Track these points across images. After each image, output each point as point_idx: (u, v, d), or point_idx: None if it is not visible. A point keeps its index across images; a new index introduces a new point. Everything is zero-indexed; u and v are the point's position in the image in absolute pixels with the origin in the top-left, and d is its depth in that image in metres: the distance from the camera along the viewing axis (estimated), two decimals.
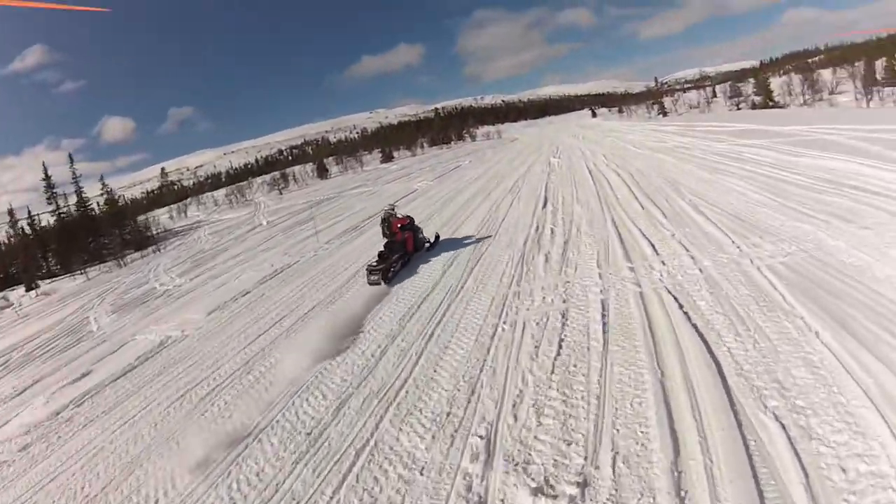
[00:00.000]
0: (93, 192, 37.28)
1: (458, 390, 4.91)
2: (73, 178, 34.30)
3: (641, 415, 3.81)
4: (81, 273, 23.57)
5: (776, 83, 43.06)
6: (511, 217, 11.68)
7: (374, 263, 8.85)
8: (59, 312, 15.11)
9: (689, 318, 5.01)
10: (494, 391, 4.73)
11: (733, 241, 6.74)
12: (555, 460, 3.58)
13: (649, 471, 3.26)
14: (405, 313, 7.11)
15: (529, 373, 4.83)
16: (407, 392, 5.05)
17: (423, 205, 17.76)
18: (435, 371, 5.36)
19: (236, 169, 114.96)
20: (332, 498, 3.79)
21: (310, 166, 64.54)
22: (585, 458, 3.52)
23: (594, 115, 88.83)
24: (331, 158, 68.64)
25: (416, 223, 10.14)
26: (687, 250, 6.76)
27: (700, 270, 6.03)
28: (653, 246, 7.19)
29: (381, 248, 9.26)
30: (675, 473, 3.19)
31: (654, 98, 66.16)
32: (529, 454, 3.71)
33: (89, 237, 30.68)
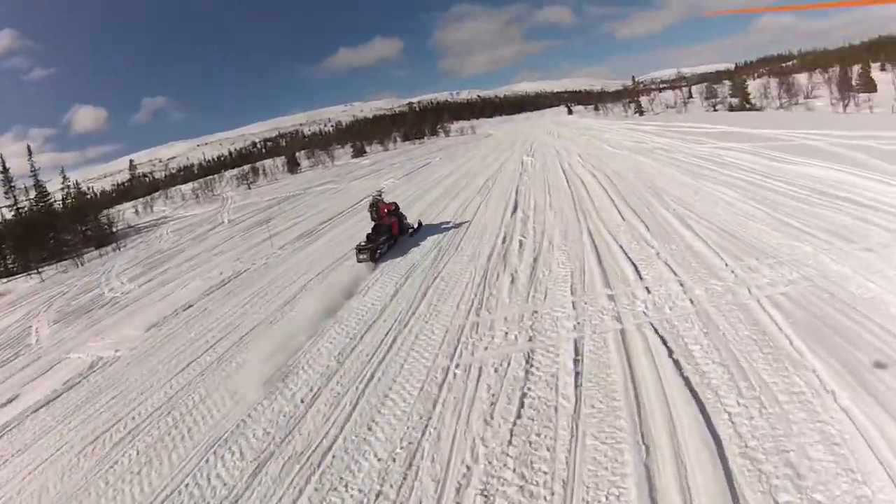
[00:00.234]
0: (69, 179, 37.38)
1: (394, 460, 4.00)
2: (31, 171, 32.95)
3: None
4: (39, 273, 22.41)
5: (753, 86, 43.93)
6: (477, 224, 10.75)
7: (364, 244, 9.61)
8: (5, 319, 14.31)
9: (680, 370, 4.16)
10: (437, 465, 3.82)
11: (727, 264, 5.99)
12: None
13: None
14: (346, 345, 6.21)
15: (481, 442, 3.89)
16: (334, 457, 4.17)
17: None
18: (369, 429, 4.46)
19: (209, 161, 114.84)
20: None
21: (280, 160, 64.44)
22: None
23: (570, 112, 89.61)
24: (303, 152, 68.54)
25: (399, 209, 11.11)
26: (675, 274, 5.95)
27: (691, 302, 5.21)
28: (635, 267, 6.36)
29: (369, 231, 10.10)
30: None
31: (631, 97, 66.76)
32: None
33: (49, 233, 29.05)
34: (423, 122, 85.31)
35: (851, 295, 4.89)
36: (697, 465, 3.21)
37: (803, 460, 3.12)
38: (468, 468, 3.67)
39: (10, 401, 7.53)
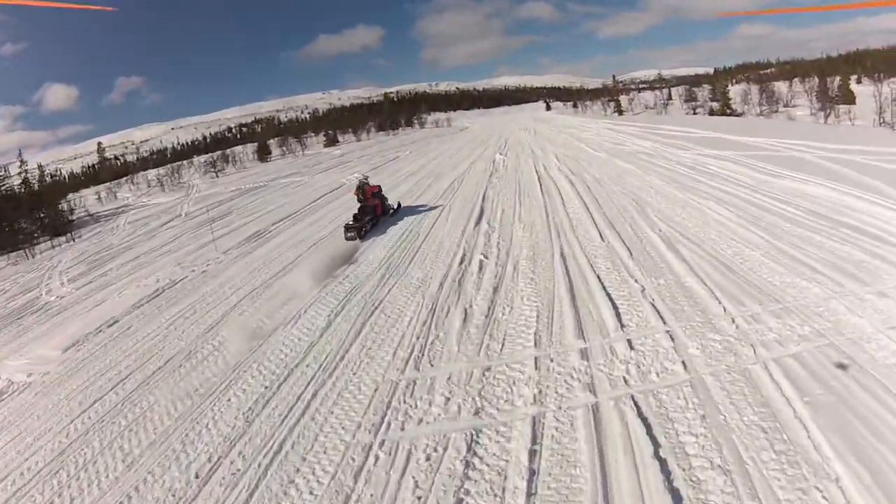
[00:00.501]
0: (38, 161, 37.50)
1: None
2: None
3: None
4: None
5: (733, 91, 44.36)
6: (434, 236, 9.60)
7: (351, 223, 10.84)
8: None
9: (669, 478, 3.15)
10: None
11: (725, 309, 5.05)
12: None
13: None
14: (260, 395, 5.15)
15: None
16: None
17: (341, 206, 15.54)
18: None
19: (183, 145, 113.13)
20: None
21: (252, 147, 63.58)
22: None
23: (548, 108, 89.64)
24: (275, 140, 67.67)
25: (382, 192, 12.62)
26: (664, 321, 4.96)
27: (684, 366, 4.21)
28: (616, 309, 5.33)
29: (356, 211, 11.32)
30: None
31: (611, 96, 66.76)
32: None
33: (3, 221, 26.63)
34: (399, 113, 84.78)
35: (873, 361, 4.09)
36: None
37: None
38: None
39: None
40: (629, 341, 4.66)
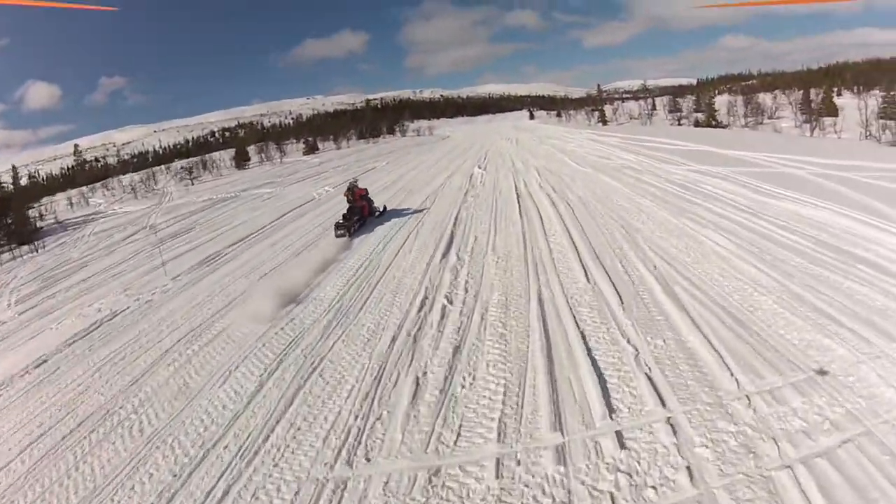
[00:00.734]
0: (15, 162, 34.11)
1: None
2: None
3: None
4: None
5: (718, 102, 44.55)
6: (394, 271, 8.51)
7: (341, 222, 11.77)
8: None
9: None
10: None
11: (738, 383, 4.14)
12: None
13: None
14: (166, 487, 4.16)
15: None
16: None
17: (308, 224, 14.61)
18: None
19: (164, 148, 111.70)
20: None
21: (230, 154, 62.83)
22: None
23: (532, 116, 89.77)
24: (255, 146, 66.61)
25: (369, 195, 13.64)
26: (663, 403, 3.99)
27: (690, 478, 3.24)
28: (603, 385, 4.33)
29: (345, 212, 12.35)
30: None
31: (595, 105, 66.84)
32: None
33: None
34: (381, 120, 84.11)
35: None
36: None
37: None
38: None
39: None
40: (620, 438, 3.65)
